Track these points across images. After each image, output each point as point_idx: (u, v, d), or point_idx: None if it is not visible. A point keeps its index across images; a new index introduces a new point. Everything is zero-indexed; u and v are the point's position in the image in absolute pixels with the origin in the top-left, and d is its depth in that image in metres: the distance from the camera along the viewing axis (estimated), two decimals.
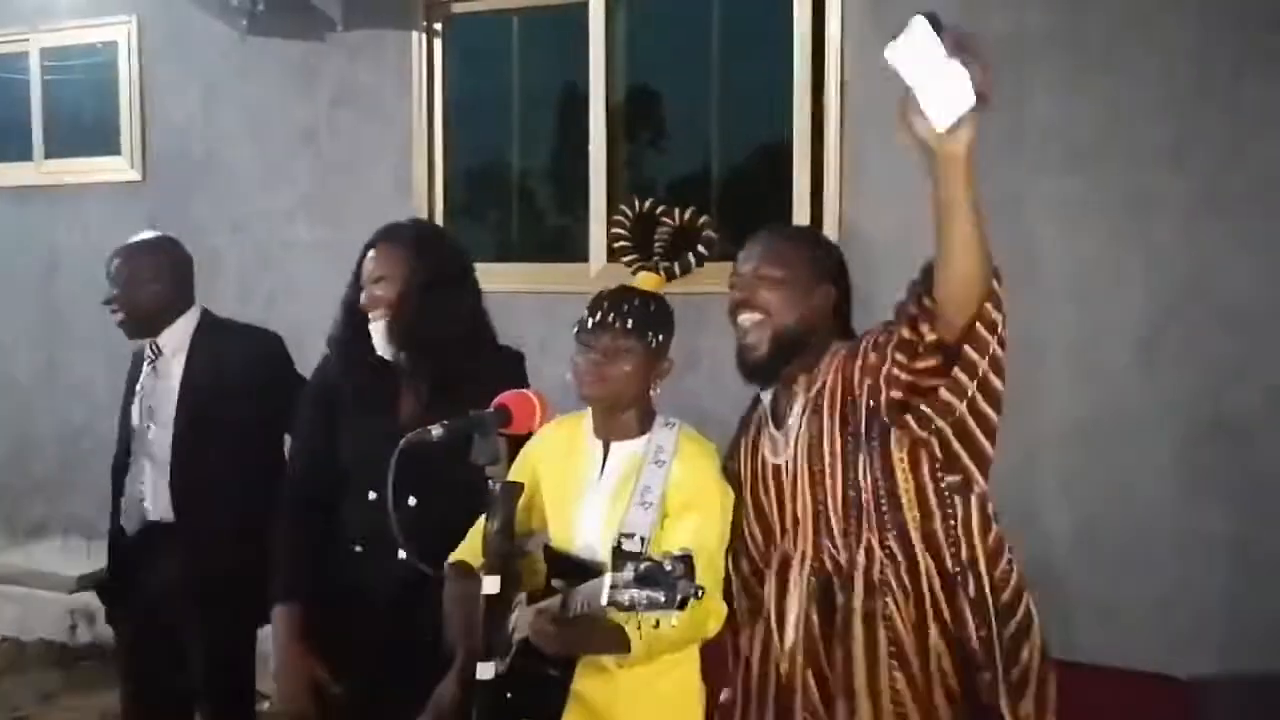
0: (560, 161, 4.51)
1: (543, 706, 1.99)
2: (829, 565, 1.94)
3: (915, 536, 1.90)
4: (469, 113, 4.53)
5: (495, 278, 4.42)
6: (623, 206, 2.25)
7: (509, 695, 1.93)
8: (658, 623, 1.70)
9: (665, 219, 2.15)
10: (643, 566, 1.59)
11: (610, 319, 1.98)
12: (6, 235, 5.34)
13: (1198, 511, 3.41)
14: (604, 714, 1.98)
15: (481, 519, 2.19)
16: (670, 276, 2.11)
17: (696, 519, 1.96)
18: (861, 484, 1.90)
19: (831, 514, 1.92)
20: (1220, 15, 3.34)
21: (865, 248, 3.77)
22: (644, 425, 2.08)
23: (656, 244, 2.14)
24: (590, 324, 2.01)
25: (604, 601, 1.65)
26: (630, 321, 1.98)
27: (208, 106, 4.86)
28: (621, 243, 2.19)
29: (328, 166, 4.63)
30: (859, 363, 1.90)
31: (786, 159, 3.90)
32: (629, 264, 2.17)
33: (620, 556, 1.82)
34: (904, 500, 1.90)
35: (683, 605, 1.60)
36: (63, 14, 5.13)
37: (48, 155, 5.27)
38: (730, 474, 2.09)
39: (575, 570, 1.94)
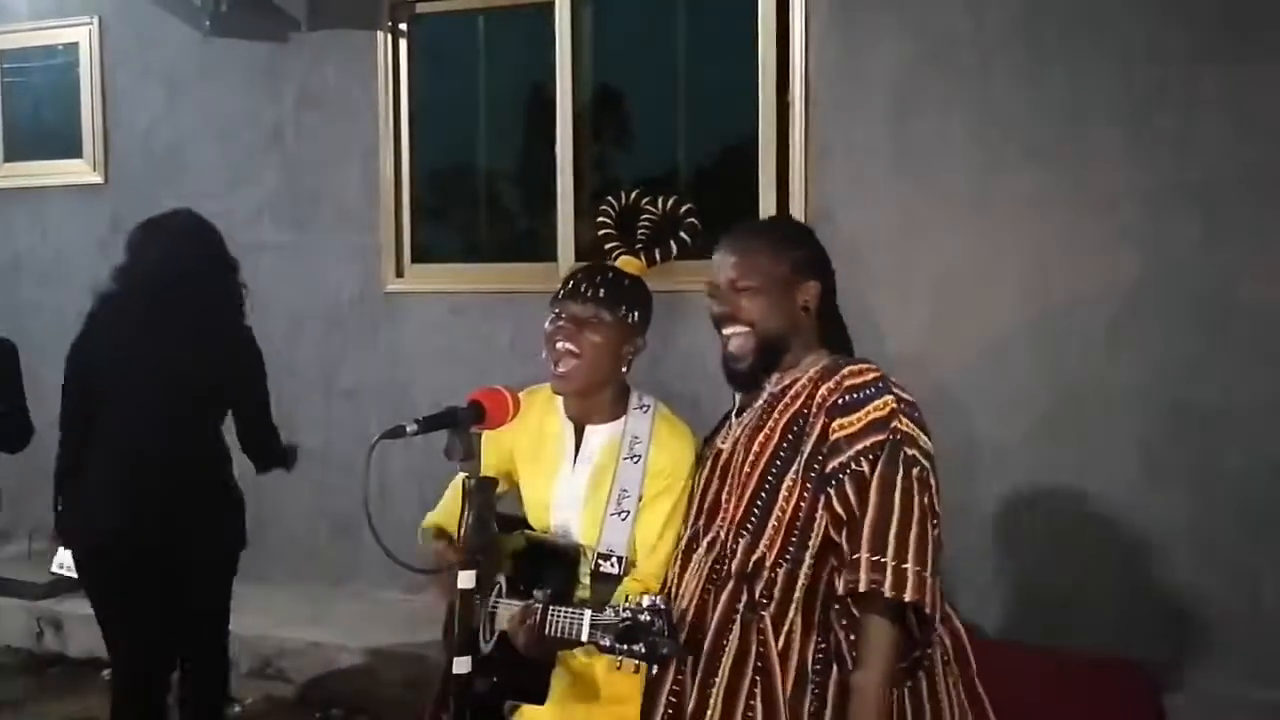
0: (528, 161, 4.51)
1: (529, 690, 2.00)
2: (728, 557, 1.84)
3: (798, 592, 1.77)
4: (436, 113, 4.52)
5: (464, 278, 4.45)
6: (609, 198, 2.22)
7: (495, 679, 1.95)
8: (637, 668, 1.73)
9: (649, 207, 2.15)
10: (622, 625, 1.65)
11: (583, 287, 1.97)
12: None
13: (1156, 502, 3.47)
14: (588, 679, 1.99)
15: (456, 478, 2.19)
16: (651, 261, 2.10)
17: (669, 504, 1.98)
18: (779, 496, 1.79)
19: (740, 507, 1.83)
20: (1173, 13, 3.40)
21: (832, 241, 3.80)
22: (618, 408, 2.05)
23: (639, 231, 2.13)
24: (562, 293, 2.00)
25: (584, 639, 1.71)
26: (603, 291, 1.96)
27: (171, 108, 4.82)
28: (605, 231, 2.17)
29: (294, 168, 4.60)
30: (821, 422, 1.77)
31: (753, 155, 3.93)
32: (610, 250, 2.14)
33: (599, 580, 1.89)
34: (808, 550, 1.77)
35: (660, 660, 1.67)
36: (22, 15, 5.08)
37: (8, 158, 5.21)
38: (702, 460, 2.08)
39: (551, 566, 1.95)
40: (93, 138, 4.96)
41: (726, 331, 1.90)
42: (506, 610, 1.93)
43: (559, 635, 1.78)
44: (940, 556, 1.67)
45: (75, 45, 4.98)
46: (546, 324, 2.01)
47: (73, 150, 5.02)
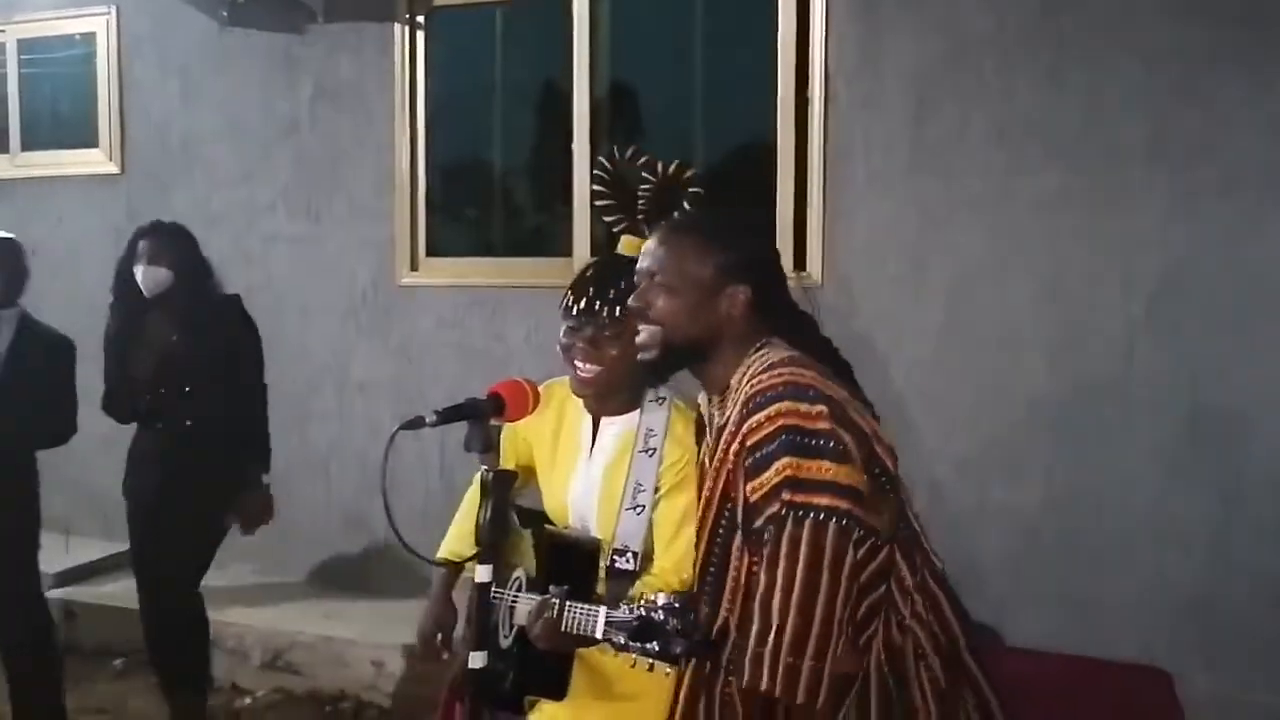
0: (543, 156, 4.49)
1: (548, 686, 2.00)
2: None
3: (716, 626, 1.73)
4: (452, 106, 4.51)
5: (478, 272, 4.44)
6: (600, 158, 2.13)
7: (512, 675, 1.95)
8: (651, 666, 1.69)
9: (647, 174, 2.04)
10: (636, 622, 1.63)
11: (597, 306, 1.94)
12: None
13: (1176, 506, 3.44)
14: (607, 676, 1.99)
15: (465, 501, 2.21)
16: None
17: (685, 498, 1.96)
18: (729, 561, 1.73)
19: (698, 571, 1.80)
20: (1196, 11, 3.37)
21: (850, 239, 3.79)
22: (634, 401, 2.05)
23: (639, 201, 2.03)
24: (576, 310, 1.97)
25: (599, 636, 1.69)
26: (618, 309, 1.92)
27: (187, 99, 4.81)
28: (603, 200, 2.09)
29: (308, 161, 4.60)
30: (735, 453, 1.68)
31: (770, 152, 3.90)
32: (612, 224, 2.08)
33: (615, 577, 1.86)
34: (728, 585, 1.73)
35: (675, 660, 1.63)
36: (40, 5, 5.08)
37: (24, 147, 5.22)
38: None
39: (569, 558, 1.95)
40: (109, 128, 4.96)
41: (640, 328, 1.79)
42: (525, 605, 1.93)
43: (575, 632, 1.77)
44: (858, 605, 1.60)
45: (92, 35, 4.98)
46: (563, 335, 2.00)
47: (89, 140, 5.03)
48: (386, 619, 4.09)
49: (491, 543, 1.69)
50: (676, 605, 1.63)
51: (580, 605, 1.77)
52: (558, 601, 1.79)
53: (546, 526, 2.10)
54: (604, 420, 2.07)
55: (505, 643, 2.01)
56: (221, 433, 3.32)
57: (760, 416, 1.61)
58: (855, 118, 3.76)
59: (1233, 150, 3.35)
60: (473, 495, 2.19)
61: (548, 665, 1.94)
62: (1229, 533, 3.40)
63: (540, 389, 1.93)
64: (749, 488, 1.62)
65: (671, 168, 2.02)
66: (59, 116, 5.19)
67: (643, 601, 1.67)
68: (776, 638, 1.54)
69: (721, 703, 1.72)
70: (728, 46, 4.10)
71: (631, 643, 1.64)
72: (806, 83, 3.83)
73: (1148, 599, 3.47)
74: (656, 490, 1.97)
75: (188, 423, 3.31)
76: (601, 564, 1.96)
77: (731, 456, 1.66)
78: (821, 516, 1.55)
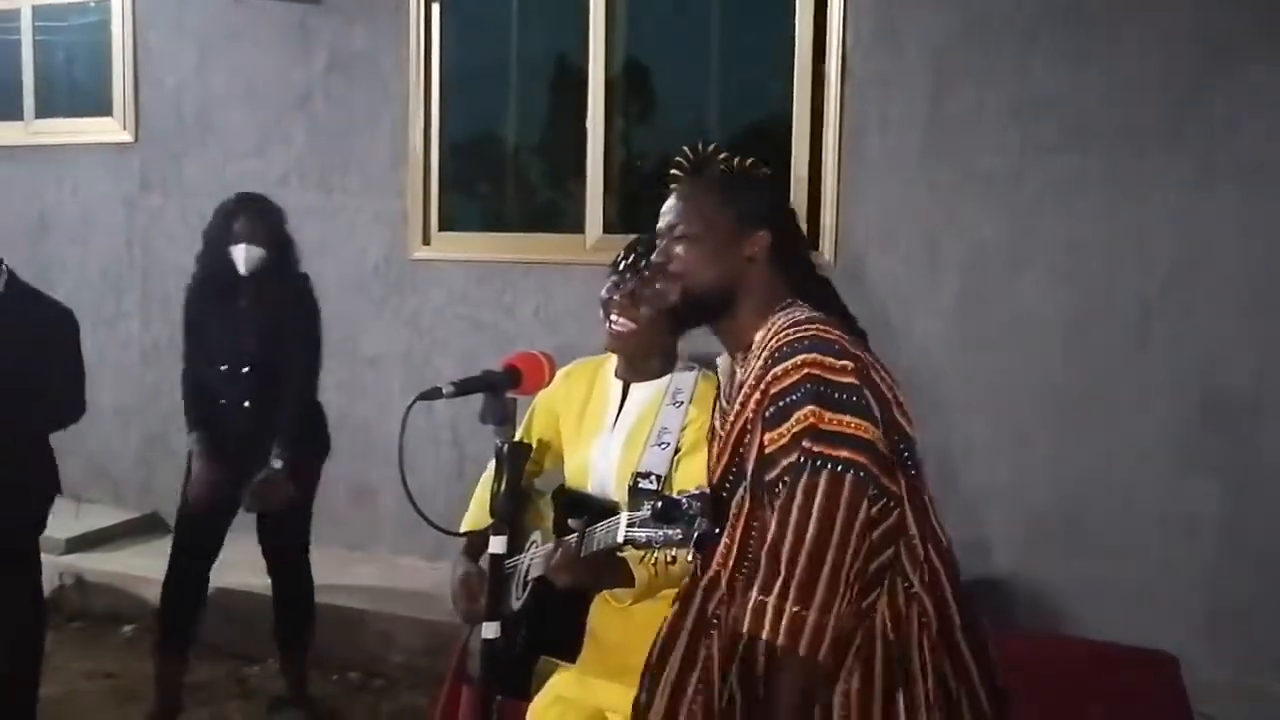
0: (557, 132, 4.48)
1: (561, 646, 2.03)
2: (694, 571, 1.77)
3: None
4: (466, 80, 4.48)
5: (490, 247, 4.43)
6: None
7: (523, 633, 1.98)
8: (674, 558, 1.73)
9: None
10: (659, 503, 1.62)
11: (641, 262, 2.05)
12: None
13: (1186, 491, 3.43)
14: (618, 650, 2.01)
15: (485, 475, 2.23)
16: None
17: (704, 458, 1.94)
18: (729, 513, 1.69)
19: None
20: None
21: (864, 217, 3.77)
22: (665, 368, 2.15)
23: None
24: (623, 264, 2.10)
25: (620, 539, 1.68)
26: None
27: (201, 68, 4.80)
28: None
29: (321, 132, 4.59)
30: (754, 408, 1.64)
31: (786, 128, 3.88)
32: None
33: (637, 495, 1.82)
34: (723, 540, 1.68)
35: (699, 542, 1.62)
36: None
37: (39, 115, 5.22)
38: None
39: (588, 510, 1.96)
40: (123, 96, 4.96)
41: (658, 285, 1.79)
42: (540, 560, 1.97)
43: (597, 547, 1.80)
44: (867, 565, 1.54)
45: (107, 3, 4.96)
46: (604, 291, 2.12)
47: (103, 108, 5.02)
48: (394, 590, 4.12)
49: (506, 514, 1.70)
50: (696, 492, 1.63)
51: (600, 525, 1.81)
52: (578, 534, 1.83)
53: (565, 485, 2.17)
54: (634, 386, 2.16)
55: (516, 605, 2.02)
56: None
57: (786, 365, 1.59)
58: (871, 95, 3.73)
59: (1252, 134, 3.32)
60: (484, 489, 2.25)
61: (560, 623, 1.96)
62: (1238, 518, 3.38)
63: (569, 367, 1.97)
64: (767, 438, 1.59)
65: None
66: (73, 84, 5.19)
67: (662, 495, 1.69)
68: (783, 586, 1.50)
69: (705, 656, 1.70)
70: (744, 22, 4.07)
71: (654, 535, 1.63)
72: (823, 59, 3.80)
73: (1155, 583, 3.46)
74: (680, 436, 2.03)
75: (246, 404, 3.29)
76: (622, 497, 1.95)
77: (752, 406, 1.63)
78: (839, 469, 1.52)
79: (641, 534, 1.64)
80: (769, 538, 1.54)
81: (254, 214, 3.31)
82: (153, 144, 4.92)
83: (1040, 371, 3.58)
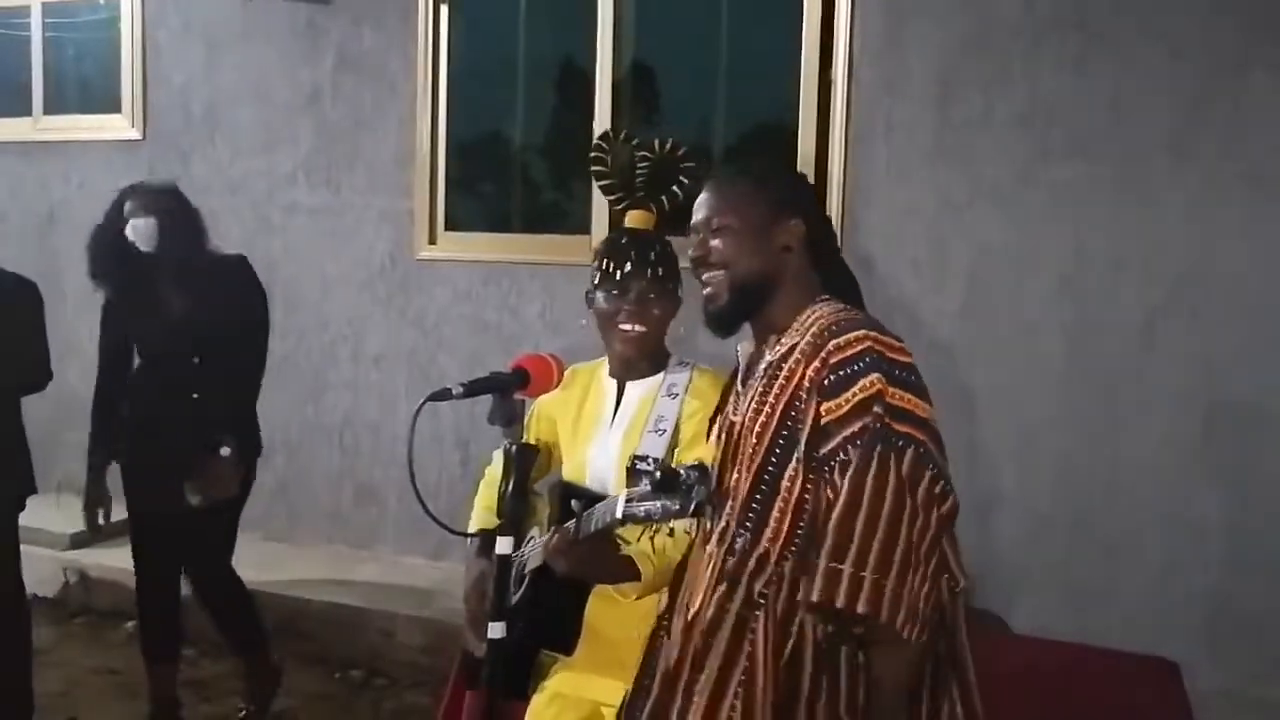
0: (564, 133, 4.48)
1: (558, 638, 2.05)
2: (730, 555, 1.70)
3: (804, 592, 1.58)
4: (473, 80, 4.49)
5: (496, 247, 4.44)
6: (598, 140, 2.30)
7: (520, 626, 1.98)
8: (672, 530, 1.74)
9: (644, 152, 2.20)
10: (658, 475, 1.62)
11: (643, 269, 2.10)
12: (2, 190, 5.31)
13: (1190, 499, 3.43)
14: (617, 644, 2.03)
15: (488, 473, 2.24)
16: (660, 209, 2.19)
17: (702, 452, 1.96)
18: (780, 487, 1.63)
19: (744, 493, 1.69)
20: (1225, 4, 3.33)
21: (869, 222, 3.77)
22: (658, 365, 2.19)
23: (638, 178, 2.20)
24: (620, 274, 2.11)
25: (619, 514, 1.67)
26: (661, 270, 2.11)
27: (209, 67, 4.82)
28: (604, 181, 2.25)
29: (329, 131, 4.60)
30: (810, 382, 1.62)
31: (792, 132, 3.88)
32: (614, 202, 2.25)
33: (635, 475, 1.83)
34: (773, 515, 1.63)
35: (697, 511, 1.62)
36: None
37: (47, 111, 5.24)
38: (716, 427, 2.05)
39: (587, 500, 1.96)
40: (132, 93, 4.97)
41: (703, 276, 1.78)
42: (537, 548, 1.98)
43: (595, 527, 1.81)
44: (935, 546, 1.50)
45: (117, 1, 4.97)
46: (603, 302, 2.13)
47: (111, 105, 5.03)
48: (396, 588, 4.13)
49: (513, 516, 1.70)
50: (693, 465, 1.63)
51: (599, 505, 1.82)
52: (576, 518, 1.85)
53: (563, 479, 2.19)
54: (629, 384, 2.19)
55: (515, 599, 2.03)
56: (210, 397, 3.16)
57: (849, 336, 1.59)
58: (878, 100, 3.73)
59: (1258, 144, 3.32)
60: (493, 471, 2.26)
61: (557, 614, 1.98)
62: (1242, 524, 3.38)
63: (568, 370, 1.99)
64: (825, 407, 1.56)
65: (666, 146, 2.18)
66: (82, 81, 5.20)
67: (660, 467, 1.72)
68: (858, 555, 1.45)
69: (748, 651, 1.63)
70: (752, 26, 4.07)
71: (653, 509, 1.62)
72: (830, 64, 3.80)
73: (1158, 589, 3.46)
74: (677, 427, 2.06)
75: (194, 395, 3.14)
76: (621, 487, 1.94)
77: (809, 375, 1.60)
78: (900, 443, 1.51)
79: (640, 509, 1.63)
80: (838, 508, 1.50)
81: (141, 192, 3.18)
82: (161, 141, 4.93)
83: (1046, 378, 3.58)
